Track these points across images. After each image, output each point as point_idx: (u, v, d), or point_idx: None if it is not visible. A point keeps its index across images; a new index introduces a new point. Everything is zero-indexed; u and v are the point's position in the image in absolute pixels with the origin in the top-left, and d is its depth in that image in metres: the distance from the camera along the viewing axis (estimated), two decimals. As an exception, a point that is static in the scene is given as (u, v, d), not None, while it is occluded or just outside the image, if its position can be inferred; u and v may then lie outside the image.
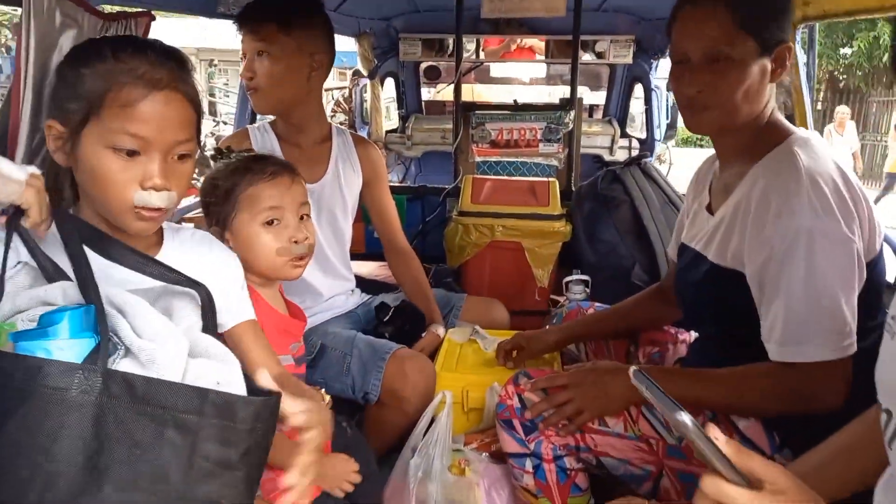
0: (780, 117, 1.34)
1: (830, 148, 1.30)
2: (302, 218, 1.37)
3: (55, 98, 1.01)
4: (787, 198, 1.18)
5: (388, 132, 4.55)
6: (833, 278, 1.16)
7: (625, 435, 1.33)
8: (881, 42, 11.96)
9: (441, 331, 1.96)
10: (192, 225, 1.22)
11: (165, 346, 0.85)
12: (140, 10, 1.44)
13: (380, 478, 1.55)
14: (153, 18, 1.44)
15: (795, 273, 1.16)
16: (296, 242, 1.33)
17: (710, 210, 1.43)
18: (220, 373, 0.89)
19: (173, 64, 0.99)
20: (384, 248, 2.12)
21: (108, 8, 1.36)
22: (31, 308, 0.86)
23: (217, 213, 1.34)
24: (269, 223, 1.32)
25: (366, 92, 4.40)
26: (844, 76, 14.59)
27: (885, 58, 12.22)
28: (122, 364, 0.83)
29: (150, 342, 0.85)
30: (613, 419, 1.35)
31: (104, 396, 0.76)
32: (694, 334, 1.74)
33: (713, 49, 1.24)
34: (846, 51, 13.97)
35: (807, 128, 1.86)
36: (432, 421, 1.64)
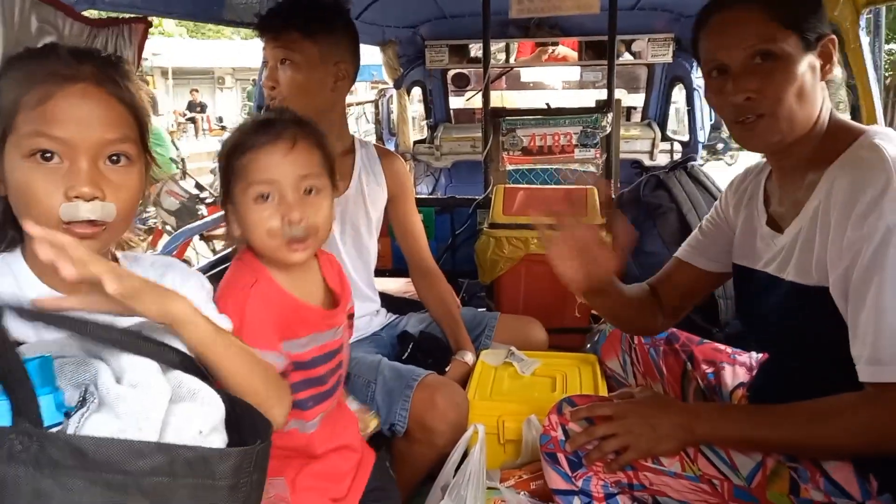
0: (844, 117, 1.23)
1: None
2: (310, 192, 1.15)
3: None
4: (874, 193, 1.05)
5: (416, 143, 4.47)
6: None
7: (682, 475, 1.20)
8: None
9: (470, 358, 1.84)
10: (149, 252, 1.08)
11: (148, 392, 0.73)
12: (134, 15, 1.33)
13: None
14: (150, 24, 1.33)
15: (887, 278, 1.03)
16: (290, 223, 1.12)
17: (777, 228, 1.29)
18: (204, 419, 0.77)
19: (97, 60, 0.87)
20: (409, 268, 2.02)
21: (97, 14, 1.26)
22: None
23: (222, 184, 1.18)
24: (262, 198, 1.12)
25: (392, 103, 4.32)
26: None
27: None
28: (92, 419, 0.71)
29: (132, 388, 0.73)
30: (668, 458, 1.21)
31: (44, 465, 0.63)
32: (754, 356, 1.59)
33: (755, 50, 1.15)
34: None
35: (876, 123, 1.68)
36: (464, 456, 1.50)
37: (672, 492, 1.21)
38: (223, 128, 11.95)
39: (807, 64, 1.16)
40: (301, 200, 1.12)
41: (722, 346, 1.63)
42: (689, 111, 4.33)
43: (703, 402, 1.33)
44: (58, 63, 0.84)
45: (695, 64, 4.12)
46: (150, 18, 1.37)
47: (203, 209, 5.74)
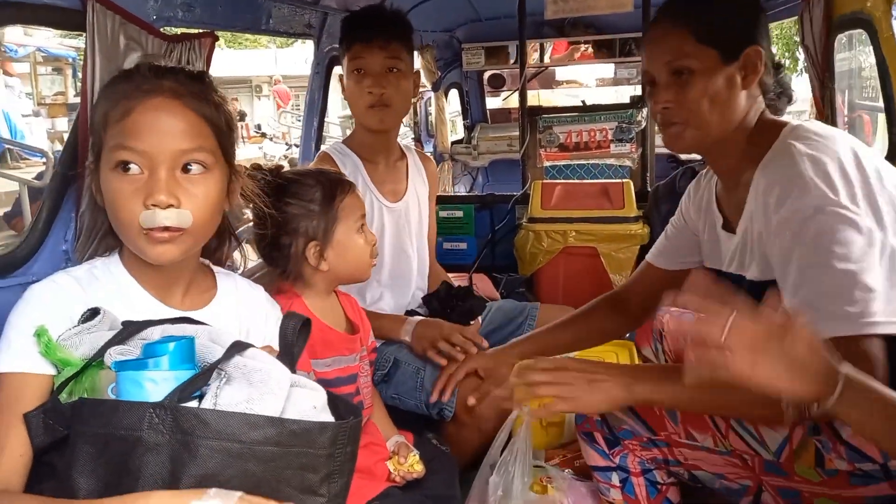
0: (773, 117, 1.29)
1: (835, 130, 1.22)
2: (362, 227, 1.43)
3: (91, 136, 0.99)
4: (788, 187, 1.13)
5: (453, 143, 4.54)
6: (842, 253, 1.05)
7: (715, 449, 1.25)
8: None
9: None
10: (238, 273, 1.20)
11: (275, 366, 0.85)
12: (202, 31, 1.46)
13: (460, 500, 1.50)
14: (216, 39, 1.45)
15: (805, 256, 1.09)
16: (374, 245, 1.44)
17: (731, 229, 1.35)
18: (315, 398, 0.88)
19: (178, 74, 0.94)
20: None
21: (172, 31, 1.38)
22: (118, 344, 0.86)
23: (309, 230, 1.36)
24: (362, 228, 1.41)
25: (430, 105, 4.40)
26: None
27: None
28: (226, 390, 0.81)
29: (263, 363, 0.84)
30: (701, 434, 1.25)
31: (176, 433, 0.75)
32: None
33: (673, 65, 1.25)
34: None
35: None
36: (510, 437, 1.57)
37: (706, 466, 1.26)
38: (263, 135, 12.22)
39: (725, 76, 1.23)
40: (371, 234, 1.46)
41: None
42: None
43: (646, 365, 1.36)
44: (139, 79, 0.92)
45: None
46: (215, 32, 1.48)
47: (248, 212, 5.88)
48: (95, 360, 0.85)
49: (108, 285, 0.96)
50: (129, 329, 0.87)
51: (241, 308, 1.09)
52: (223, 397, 0.79)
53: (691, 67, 1.24)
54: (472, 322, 1.85)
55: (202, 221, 0.93)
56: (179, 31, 1.43)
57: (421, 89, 4.71)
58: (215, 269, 1.10)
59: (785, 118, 1.31)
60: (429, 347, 1.67)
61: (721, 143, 1.28)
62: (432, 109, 4.41)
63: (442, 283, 1.99)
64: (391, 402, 1.65)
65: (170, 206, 0.89)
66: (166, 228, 0.89)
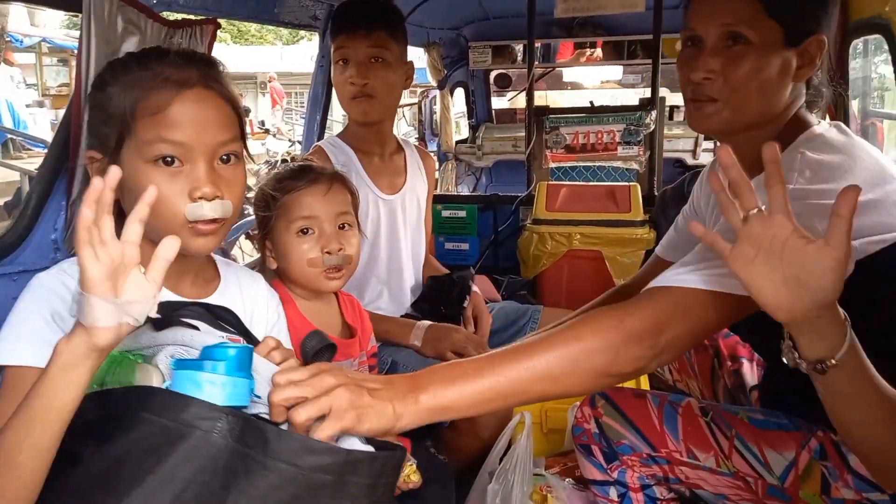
0: (808, 116, 1.16)
1: (861, 143, 1.08)
2: (343, 227, 1.32)
3: (90, 126, 0.96)
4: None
5: (457, 142, 4.52)
6: None
7: (717, 470, 1.20)
8: None
9: (477, 289, 1.90)
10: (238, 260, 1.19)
11: None
12: (204, 17, 1.42)
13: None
14: (219, 26, 1.41)
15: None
16: (328, 253, 1.28)
17: None
18: None
19: (200, 63, 0.93)
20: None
21: (172, 16, 1.34)
22: (172, 345, 0.85)
23: (260, 222, 1.33)
24: (304, 232, 1.28)
25: (435, 104, 4.37)
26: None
27: None
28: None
29: None
30: (703, 453, 1.19)
31: (239, 444, 0.72)
32: None
33: (731, 30, 1.09)
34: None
35: None
36: (510, 444, 1.53)
37: (708, 486, 1.21)
38: (266, 131, 12.18)
39: (782, 60, 1.09)
40: (338, 234, 1.29)
41: (744, 345, 1.60)
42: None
43: (431, 368, 1.01)
44: (170, 68, 0.90)
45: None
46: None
47: (249, 208, 5.86)
48: (133, 352, 0.83)
49: None
50: (163, 320, 0.84)
51: (244, 296, 1.10)
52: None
53: (750, 38, 1.08)
54: (466, 301, 1.83)
55: (236, 210, 0.95)
56: (181, 16, 1.39)
57: (426, 88, 4.68)
58: (216, 258, 1.10)
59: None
60: (438, 356, 1.65)
61: (751, 133, 1.14)
62: (437, 108, 4.38)
63: (427, 280, 1.95)
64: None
65: (216, 197, 0.90)
66: (213, 220, 0.91)
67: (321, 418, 0.82)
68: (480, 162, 4.43)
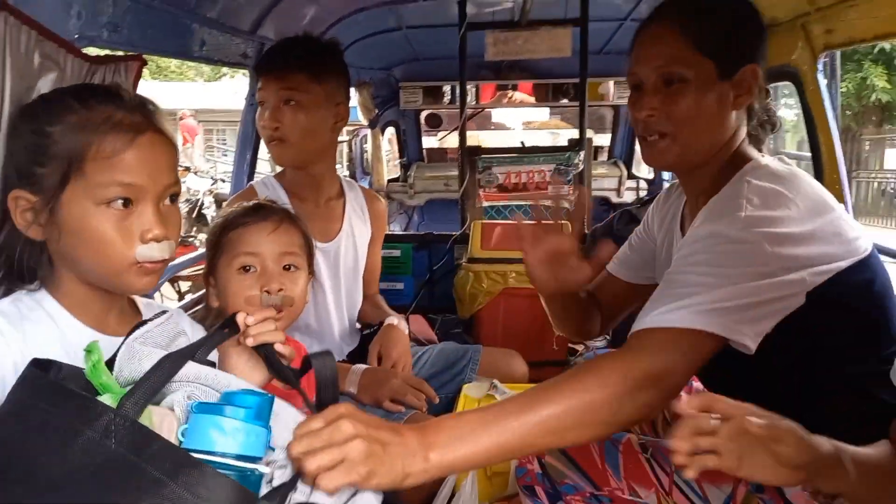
0: (750, 149, 1.23)
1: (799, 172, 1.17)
2: (288, 268, 1.26)
3: (16, 164, 0.93)
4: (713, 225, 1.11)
5: (389, 181, 4.53)
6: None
7: None
8: (867, 82, 12.40)
9: (395, 321, 1.80)
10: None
11: None
12: (129, 53, 1.36)
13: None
14: (145, 63, 1.35)
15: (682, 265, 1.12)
16: (267, 292, 1.21)
17: None
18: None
19: (145, 106, 0.95)
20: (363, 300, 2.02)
21: (93, 51, 1.27)
22: (191, 382, 0.83)
23: (207, 258, 1.29)
24: (245, 269, 1.23)
25: (366, 142, 4.39)
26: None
27: (873, 97, 12.64)
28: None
29: None
30: (645, 490, 1.21)
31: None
32: None
33: (666, 71, 1.17)
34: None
35: (836, 162, 1.76)
36: (453, 492, 1.49)
37: None
38: (186, 169, 11.81)
39: (717, 92, 1.15)
40: (281, 274, 1.23)
41: None
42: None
43: (438, 423, 0.98)
44: (120, 111, 0.91)
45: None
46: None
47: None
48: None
49: (41, 320, 0.94)
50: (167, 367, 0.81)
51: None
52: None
53: (685, 76, 1.15)
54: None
55: (174, 249, 0.98)
56: (104, 52, 1.32)
57: (357, 126, 4.69)
58: (136, 297, 1.09)
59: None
60: (375, 404, 1.60)
61: (701, 165, 1.21)
62: (368, 146, 4.39)
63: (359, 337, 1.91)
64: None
65: (164, 238, 0.93)
66: (160, 261, 0.94)
67: None
68: (412, 200, 4.47)
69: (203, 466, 0.68)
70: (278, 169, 1.90)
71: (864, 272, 1.15)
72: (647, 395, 1.00)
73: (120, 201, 0.90)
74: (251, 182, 1.89)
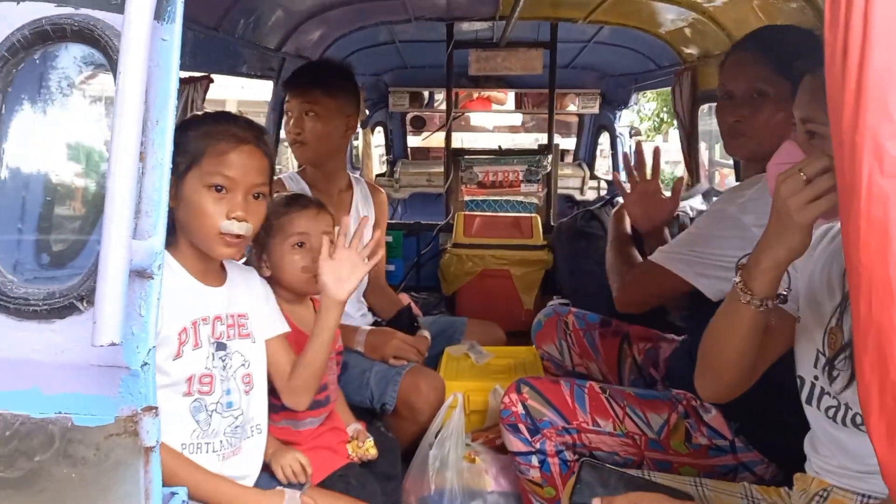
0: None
1: None
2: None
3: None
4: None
5: (377, 176, 4.83)
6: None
7: (614, 433, 1.53)
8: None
9: (427, 334, 2.15)
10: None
11: None
12: (200, 74, 1.71)
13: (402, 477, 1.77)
14: (212, 81, 1.71)
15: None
16: (314, 261, 1.49)
17: None
18: None
19: (256, 128, 1.29)
20: (368, 286, 2.31)
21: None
22: None
23: (256, 240, 1.55)
24: (299, 245, 1.55)
25: (356, 140, 4.70)
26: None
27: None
28: None
29: None
30: (604, 420, 1.52)
31: None
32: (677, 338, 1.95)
33: (753, 87, 1.48)
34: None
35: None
36: (442, 424, 1.85)
37: (605, 446, 1.53)
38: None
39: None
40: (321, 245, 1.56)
41: (652, 330, 1.97)
42: (612, 154, 4.88)
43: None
44: (235, 126, 1.25)
45: (618, 114, 4.70)
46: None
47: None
48: None
49: (167, 273, 1.11)
50: None
51: (246, 284, 1.40)
52: None
53: (769, 94, 1.45)
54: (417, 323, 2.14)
55: (255, 233, 1.27)
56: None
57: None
58: (226, 262, 1.39)
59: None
60: (379, 359, 1.94)
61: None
62: (358, 143, 4.71)
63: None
64: (341, 397, 1.87)
65: (244, 220, 1.22)
66: (238, 236, 1.22)
67: None
68: (398, 194, 4.78)
69: None
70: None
71: None
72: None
73: (219, 187, 1.20)
74: (280, 175, 2.24)
